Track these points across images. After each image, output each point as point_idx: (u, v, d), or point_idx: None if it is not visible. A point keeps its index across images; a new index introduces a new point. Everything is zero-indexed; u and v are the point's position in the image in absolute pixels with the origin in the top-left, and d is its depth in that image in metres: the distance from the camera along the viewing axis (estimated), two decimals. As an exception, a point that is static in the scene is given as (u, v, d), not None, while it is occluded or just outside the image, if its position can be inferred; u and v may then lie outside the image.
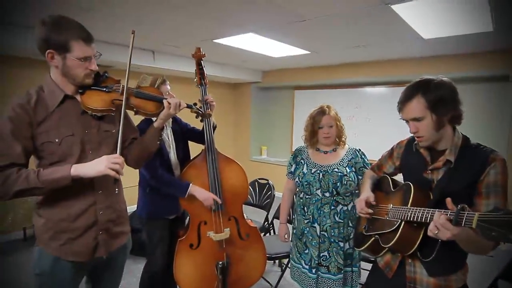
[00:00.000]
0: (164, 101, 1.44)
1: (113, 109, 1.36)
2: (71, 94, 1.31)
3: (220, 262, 1.98)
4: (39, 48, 1.22)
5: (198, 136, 2.12)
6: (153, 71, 4.40)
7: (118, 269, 1.53)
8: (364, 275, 2.57)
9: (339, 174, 1.85)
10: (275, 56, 4.33)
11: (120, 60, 3.53)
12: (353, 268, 1.91)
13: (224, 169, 2.05)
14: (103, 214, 1.35)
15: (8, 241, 3.71)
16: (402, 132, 1.52)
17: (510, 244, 0.88)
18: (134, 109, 1.42)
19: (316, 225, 1.88)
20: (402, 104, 1.25)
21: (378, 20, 2.72)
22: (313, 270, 1.89)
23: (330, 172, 1.87)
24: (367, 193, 1.49)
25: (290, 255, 2.08)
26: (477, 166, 1.17)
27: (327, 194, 1.86)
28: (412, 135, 1.32)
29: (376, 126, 4.88)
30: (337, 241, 1.86)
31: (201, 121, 1.93)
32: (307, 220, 1.91)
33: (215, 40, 3.48)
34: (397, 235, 1.23)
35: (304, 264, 1.94)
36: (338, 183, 1.84)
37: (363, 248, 1.46)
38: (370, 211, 1.44)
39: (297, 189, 2.04)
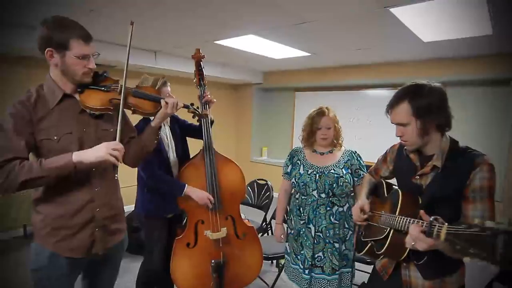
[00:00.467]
0: (162, 100, 1.47)
1: (111, 108, 1.38)
2: (70, 93, 1.34)
3: (213, 261, 2.00)
4: (39, 47, 1.25)
5: (197, 132, 2.15)
6: (155, 71, 4.43)
7: (114, 265, 1.55)
8: (359, 276, 2.60)
9: (335, 175, 1.86)
10: (276, 57, 4.35)
11: (123, 60, 3.53)
12: (347, 268, 1.91)
13: (221, 169, 2.07)
14: (100, 211, 1.37)
15: (9, 239, 3.74)
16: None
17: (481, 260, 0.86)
18: (132, 108, 1.44)
19: (311, 226, 1.89)
20: (390, 108, 1.27)
21: (378, 23, 2.74)
22: (306, 271, 1.89)
23: (326, 173, 1.88)
24: (362, 200, 1.51)
25: (286, 256, 2.09)
26: (463, 171, 1.16)
27: (323, 195, 1.87)
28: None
29: (376, 128, 4.87)
30: (332, 242, 1.87)
31: (198, 121, 1.95)
32: (303, 221, 1.92)
33: (216, 42, 3.51)
34: (387, 242, 1.25)
35: (300, 265, 1.95)
36: (334, 185, 1.84)
37: (363, 253, 1.48)
38: (365, 217, 1.45)
39: (293, 190, 2.05)
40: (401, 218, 1.19)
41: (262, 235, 3.02)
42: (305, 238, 1.91)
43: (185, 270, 2.04)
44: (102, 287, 1.54)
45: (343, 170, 1.89)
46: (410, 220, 1.14)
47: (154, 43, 3.75)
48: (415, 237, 1.05)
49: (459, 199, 1.18)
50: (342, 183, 1.85)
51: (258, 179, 3.36)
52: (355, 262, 2.07)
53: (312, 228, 1.89)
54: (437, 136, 1.24)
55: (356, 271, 2.41)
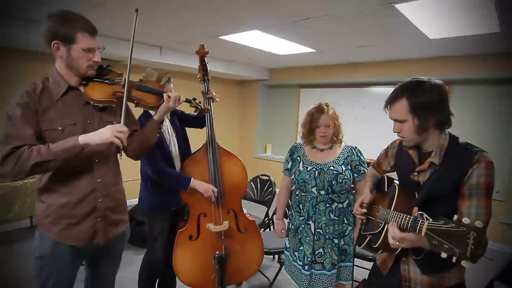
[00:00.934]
0: (164, 94, 1.49)
1: (115, 100, 1.40)
2: (74, 85, 1.36)
3: (218, 252, 2.02)
4: (46, 40, 1.28)
5: (197, 122, 2.18)
6: (160, 66, 4.46)
7: (116, 256, 1.58)
8: (361, 273, 2.61)
9: (335, 172, 1.86)
10: (281, 54, 4.35)
11: (128, 55, 3.57)
12: (347, 262, 1.92)
13: (224, 163, 2.09)
14: (102, 201, 1.39)
15: (15, 229, 3.81)
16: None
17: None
18: (135, 101, 1.47)
19: (311, 222, 1.90)
20: (388, 104, 1.27)
21: (383, 20, 2.72)
22: (306, 267, 1.90)
23: (325, 170, 1.87)
24: (364, 194, 1.52)
25: (285, 251, 2.10)
26: (461, 167, 1.15)
27: (322, 192, 1.87)
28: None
29: (382, 126, 4.83)
30: (331, 238, 1.87)
31: (198, 114, 1.97)
32: (302, 217, 1.93)
33: (221, 37, 3.52)
34: (381, 236, 1.26)
35: (298, 261, 1.96)
36: (334, 181, 1.84)
37: (362, 246, 1.49)
38: (364, 211, 1.46)
39: (293, 186, 2.06)
40: (394, 214, 1.21)
41: (264, 230, 3.04)
42: (305, 234, 1.92)
43: (187, 262, 2.07)
44: (104, 277, 1.57)
45: (343, 166, 1.89)
46: (402, 216, 1.15)
47: (159, 38, 3.77)
48: (393, 236, 1.09)
49: (456, 196, 1.17)
50: (342, 180, 1.85)
51: (261, 175, 3.37)
52: (357, 259, 2.08)
53: (312, 225, 1.89)
54: (435, 133, 1.23)
55: (358, 268, 2.43)
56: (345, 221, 1.90)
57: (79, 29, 1.27)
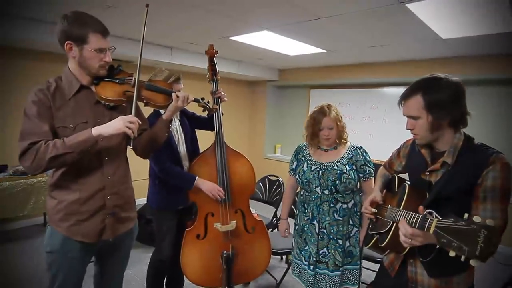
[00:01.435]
0: (173, 94, 1.51)
1: (125, 100, 1.43)
2: (86, 85, 1.40)
3: (225, 252, 2.03)
4: (59, 40, 1.32)
5: (206, 124, 2.19)
6: (171, 67, 4.51)
7: (124, 252, 1.60)
8: (366, 274, 2.58)
9: (338, 172, 1.84)
10: (291, 54, 4.34)
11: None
12: (354, 265, 1.90)
13: (232, 163, 2.10)
14: (111, 199, 1.42)
15: (29, 226, 3.91)
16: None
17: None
18: (144, 101, 1.49)
19: (315, 222, 1.89)
20: (403, 99, 1.24)
21: (394, 20, 2.69)
22: (311, 267, 1.89)
23: (329, 169, 1.86)
24: (375, 193, 1.50)
25: (291, 251, 2.10)
26: (475, 168, 1.12)
27: (326, 192, 1.86)
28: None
29: (392, 127, 4.79)
30: (336, 238, 1.86)
31: (208, 115, 1.98)
32: (307, 217, 1.93)
33: (231, 38, 3.54)
34: (389, 235, 1.24)
35: (304, 261, 1.95)
36: (337, 181, 1.83)
37: (369, 246, 1.47)
38: (374, 210, 1.44)
39: (298, 187, 2.06)
40: (403, 212, 1.18)
41: (272, 230, 3.04)
42: (310, 234, 1.92)
43: (195, 261, 2.08)
44: (113, 273, 1.60)
45: (347, 166, 1.87)
46: (411, 214, 1.12)
47: (170, 39, 3.82)
48: (404, 232, 1.07)
49: (468, 197, 1.14)
50: (345, 180, 1.83)
51: (269, 175, 3.37)
52: (364, 260, 2.06)
53: (316, 225, 1.89)
54: (450, 132, 1.20)
55: (366, 270, 2.40)
56: (351, 222, 1.89)
57: (91, 30, 1.30)
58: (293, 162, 2.06)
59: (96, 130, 1.30)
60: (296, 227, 2.03)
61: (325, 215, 1.86)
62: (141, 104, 1.53)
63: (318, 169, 1.89)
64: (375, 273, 1.59)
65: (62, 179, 1.36)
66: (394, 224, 1.23)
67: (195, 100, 1.64)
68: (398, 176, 1.50)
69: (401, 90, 1.28)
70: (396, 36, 3.23)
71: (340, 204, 1.87)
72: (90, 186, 1.37)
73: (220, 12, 2.68)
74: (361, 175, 1.89)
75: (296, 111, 6.12)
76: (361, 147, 1.95)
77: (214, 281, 2.07)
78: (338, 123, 1.91)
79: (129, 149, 1.48)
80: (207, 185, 1.99)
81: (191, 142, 2.19)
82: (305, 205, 1.95)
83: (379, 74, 4.71)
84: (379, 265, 1.56)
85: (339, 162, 1.89)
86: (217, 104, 2.05)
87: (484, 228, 0.86)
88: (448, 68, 4.06)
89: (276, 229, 3.13)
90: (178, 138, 2.10)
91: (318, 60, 4.75)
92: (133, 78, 1.45)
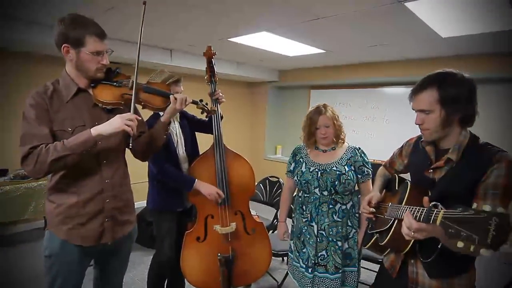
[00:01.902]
0: (171, 96, 1.50)
1: (123, 102, 1.43)
2: (84, 88, 1.39)
3: (219, 254, 2.02)
4: (56, 43, 1.31)
5: (206, 127, 2.18)
6: (171, 69, 4.48)
7: (123, 256, 1.60)
8: (366, 275, 2.56)
9: (337, 172, 1.83)
10: (291, 55, 4.33)
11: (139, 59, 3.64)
12: (352, 267, 1.88)
13: (231, 164, 2.09)
14: (110, 202, 1.41)
15: (30, 230, 3.91)
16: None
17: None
18: (143, 103, 1.49)
19: (313, 224, 1.87)
20: (415, 93, 1.22)
21: (393, 19, 2.68)
22: (310, 270, 1.87)
23: (328, 170, 1.85)
24: (373, 192, 1.49)
25: (290, 254, 2.08)
26: (480, 166, 1.11)
27: (325, 193, 1.85)
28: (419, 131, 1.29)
29: (393, 127, 4.77)
30: (335, 240, 1.84)
31: (206, 116, 1.97)
32: (305, 219, 1.91)
33: (230, 39, 3.53)
34: (390, 232, 1.22)
35: (301, 263, 1.93)
36: (336, 182, 1.81)
37: (367, 246, 1.46)
38: (372, 210, 1.43)
39: (296, 188, 2.04)
40: (405, 207, 1.16)
41: (272, 232, 3.02)
42: (308, 236, 1.90)
43: (195, 263, 2.07)
44: (112, 276, 1.59)
45: (346, 167, 1.85)
46: (414, 208, 1.10)
47: (169, 41, 3.81)
48: (408, 225, 1.03)
49: (471, 195, 1.12)
50: (344, 181, 1.82)
51: (270, 176, 3.36)
52: (364, 261, 2.04)
53: (315, 226, 1.87)
54: (456, 130, 1.19)
55: (365, 270, 2.38)
56: (349, 223, 1.87)
57: (88, 32, 1.29)
58: (291, 164, 2.04)
59: (95, 130, 1.29)
60: (294, 229, 2.01)
61: (324, 216, 1.85)
62: (139, 107, 1.53)
63: (317, 170, 1.88)
64: (375, 273, 1.58)
65: (60, 182, 1.36)
66: (396, 222, 1.22)
67: (193, 102, 1.64)
68: (399, 176, 1.49)
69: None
70: (395, 36, 3.22)
71: (339, 205, 1.85)
72: (88, 189, 1.37)
73: (220, 13, 2.68)
74: (359, 176, 1.88)
75: (297, 111, 6.10)
76: (359, 148, 1.94)
77: (214, 283, 2.06)
78: (335, 122, 1.89)
79: (128, 151, 1.47)
80: (206, 187, 1.98)
81: (191, 145, 2.19)
82: (304, 207, 1.93)
83: (379, 74, 4.70)
84: (379, 265, 1.55)
85: (338, 163, 1.87)
86: (215, 106, 2.05)
87: (496, 216, 0.82)
88: (448, 67, 4.01)
89: (277, 231, 3.11)
90: (177, 140, 2.09)
91: (318, 60, 4.75)
92: (130, 81, 1.45)
